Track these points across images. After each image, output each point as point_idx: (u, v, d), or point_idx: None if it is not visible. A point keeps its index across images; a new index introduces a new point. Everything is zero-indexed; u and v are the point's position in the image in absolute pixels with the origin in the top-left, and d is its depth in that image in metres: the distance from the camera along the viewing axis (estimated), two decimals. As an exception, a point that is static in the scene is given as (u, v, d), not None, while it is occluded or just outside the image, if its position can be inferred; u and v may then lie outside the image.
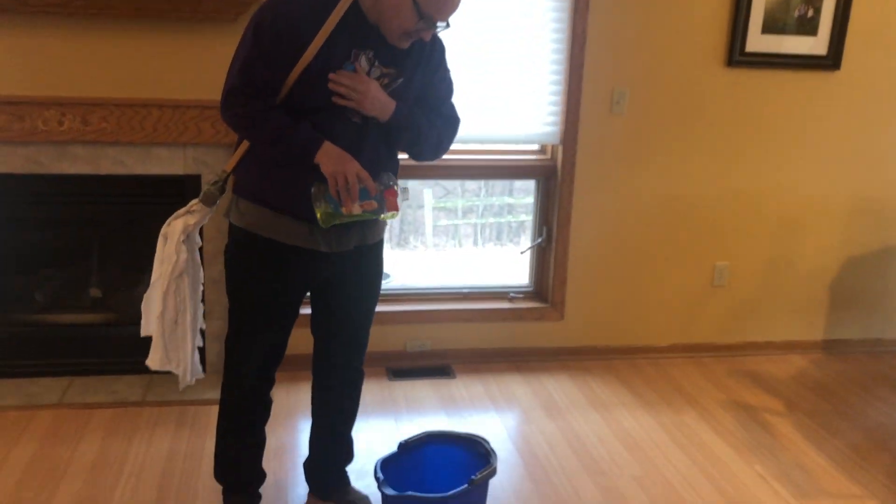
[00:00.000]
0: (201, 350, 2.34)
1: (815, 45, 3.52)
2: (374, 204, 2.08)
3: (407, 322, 3.56)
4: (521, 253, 3.81)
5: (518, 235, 6.22)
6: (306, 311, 2.35)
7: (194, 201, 2.23)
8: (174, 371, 2.28)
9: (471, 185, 6.52)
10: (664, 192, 3.60)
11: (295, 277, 2.20)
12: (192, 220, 2.22)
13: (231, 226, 2.21)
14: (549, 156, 3.61)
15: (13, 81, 2.97)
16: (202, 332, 2.32)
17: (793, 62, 3.53)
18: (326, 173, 2.02)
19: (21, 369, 3.25)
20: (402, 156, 2.27)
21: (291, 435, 2.94)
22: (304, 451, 2.67)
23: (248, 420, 2.36)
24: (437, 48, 2.19)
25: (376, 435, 2.95)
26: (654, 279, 3.70)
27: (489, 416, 3.16)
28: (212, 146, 3.12)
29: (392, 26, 2.00)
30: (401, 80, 2.11)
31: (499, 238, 6.56)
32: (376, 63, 2.07)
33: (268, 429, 2.43)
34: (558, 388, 3.42)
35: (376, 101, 2.06)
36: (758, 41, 3.47)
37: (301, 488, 2.61)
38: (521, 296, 3.73)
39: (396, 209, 2.12)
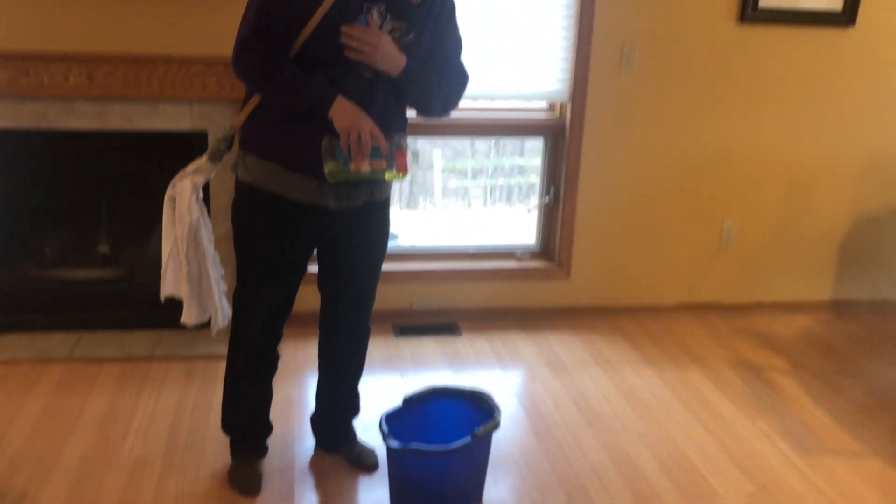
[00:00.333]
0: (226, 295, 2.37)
1: (830, 0, 3.46)
2: (384, 163, 2.07)
3: (414, 281, 3.57)
4: (528, 212, 3.80)
5: (528, 197, 6.19)
6: (314, 268, 2.36)
7: (201, 159, 2.23)
8: (211, 318, 2.31)
9: (481, 145, 6.48)
10: (673, 151, 3.58)
11: (302, 234, 2.21)
12: (199, 178, 2.22)
13: (238, 181, 2.21)
14: (557, 113, 3.58)
15: (19, 36, 2.95)
16: (222, 277, 2.35)
17: (807, 18, 3.47)
18: (339, 128, 2.01)
19: (32, 324, 3.29)
20: (410, 112, 2.26)
21: (298, 389, 2.97)
22: (310, 405, 2.70)
23: (255, 373, 2.38)
24: (448, 4, 2.17)
25: (382, 390, 2.98)
26: (662, 238, 3.69)
27: (494, 373, 3.18)
28: (217, 102, 3.11)
29: None
30: (411, 35, 2.09)
31: (509, 199, 6.54)
32: (388, 17, 2.05)
33: (275, 383, 2.45)
34: (564, 346, 3.43)
35: (388, 54, 2.05)
36: (771, -4, 3.41)
37: (308, 441, 2.64)
38: (527, 255, 3.73)
39: (405, 171, 2.11)
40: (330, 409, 2.57)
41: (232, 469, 2.45)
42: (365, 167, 2.05)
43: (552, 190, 3.64)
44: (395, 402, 2.41)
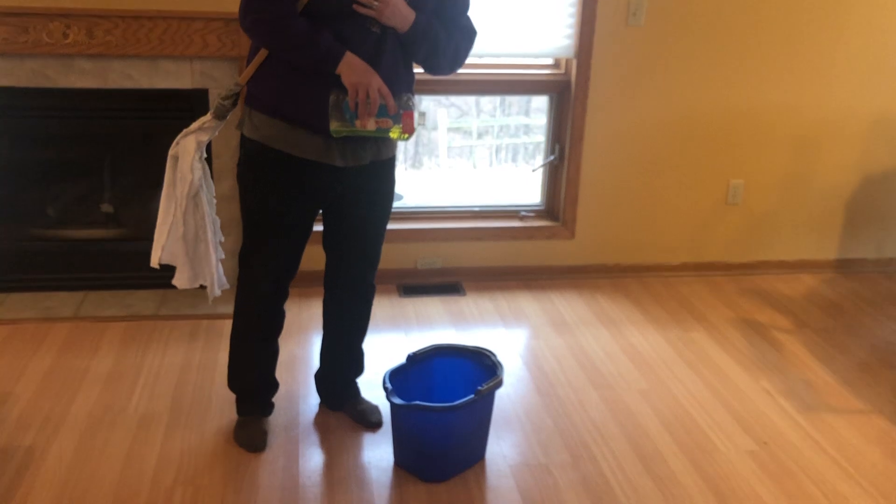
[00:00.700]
0: (222, 262, 2.36)
1: (841, -46, 3.40)
2: (390, 122, 2.06)
3: (418, 240, 3.57)
4: (533, 171, 3.77)
5: (534, 156, 6.15)
6: (318, 227, 2.36)
7: (206, 118, 2.21)
8: (204, 284, 2.31)
9: (486, 105, 6.43)
10: (679, 109, 3.54)
11: (309, 192, 2.20)
12: (204, 136, 2.21)
13: (244, 139, 2.19)
14: (563, 70, 3.54)
15: (16, -8, 2.92)
16: (220, 245, 2.35)
17: (816, -28, 3.41)
18: (348, 84, 2.00)
19: (37, 283, 3.30)
20: (417, 70, 2.23)
21: (303, 348, 2.99)
22: (315, 363, 2.72)
23: (261, 331, 2.39)
24: None
25: (386, 348, 2.99)
26: (667, 197, 3.67)
27: (498, 331, 3.19)
28: (218, 59, 3.08)
29: None
30: None
31: (514, 159, 6.50)
32: None
33: (280, 342, 2.47)
34: (567, 305, 3.44)
35: (396, 10, 2.02)
36: (781, -50, 3.35)
37: (312, 399, 2.66)
38: (532, 214, 3.72)
39: (412, 131, 2.10)
40: (334, 367, 2.58)
41: (237, 426, 2.47)
42: (371, 125, 2.04)
43: (557, 149, 3.62)
44: (400, 360, 2.42)
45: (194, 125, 2.21)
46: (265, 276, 2.30)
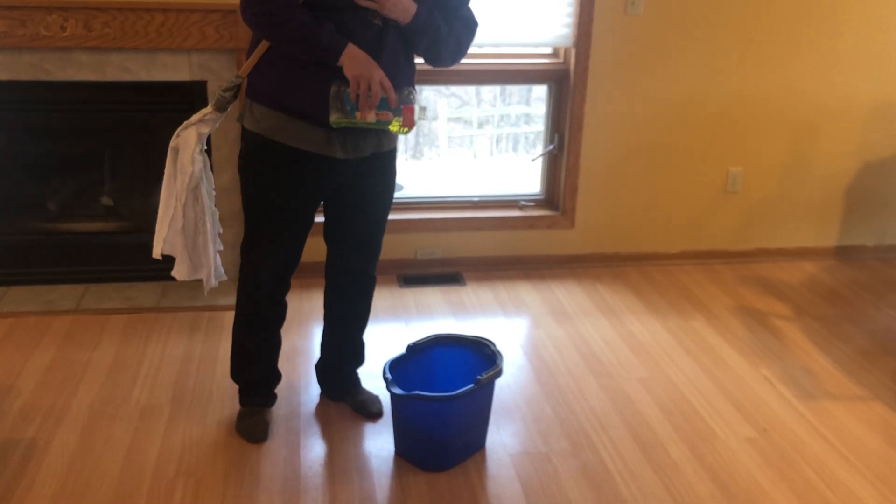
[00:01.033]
0: (220, 254, 2.37)
1: (840, -60, 3.38)
2: (391, 115, 2.06)
3: (418, 230, 3.57)
4: (532, 161, 3.77)
5: (535, 146, 6.14)
6: (319, 218, 2.36)
7: (206, 110, 2.21)
8: (202, 277, 2.32)
9: (486, 95, 6.42)
10: (678, 97, 3.53)
11: (310, 184, 2.20)
12: (205, 128, 2.21)
13: (245, 131, 2.19)
14: (561, 59, 3.54)
15: (13, -14, 2.92)
16: (219, 236, 2.36)
17: (815, -41, 3.40)
18: (349, 76, 2.00)
19: (38, 277, 3.31)
20: (417, 60, 2.23)
21: (304, 339, 3.00)
22: (316, 354, 2.72)
23: (264, 322, 2.40)
24: None
25: (387, 339, 3.00)
26: (667, 186, 3.67)
27: (498, 321, 3.20)
28: (216, 51, 3.07)
29: None
30: None
31: (515, 149, 6.49)
32: None
33: (282, 333, 2.47)
34: (567, 294, 3.44)
35: (399, 2, 2.02)
36: (779, -64, 3.33)
37: (313, 389, 2.67)
38: (531, 204, 3.72)
39: (412, 125, 2.09)
40: (335, 358, 2.59)
41: (239, 417, 2.48)
42: (371, 117, 2.04)
43: (556, 138, 3.61)
44: (400, 350, 2.43)
45: (195, 117, 2.21)
46: (267, 268, 2.30)
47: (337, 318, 2.54)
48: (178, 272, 2.31)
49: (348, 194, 2.29)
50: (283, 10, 1.98)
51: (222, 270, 2.37)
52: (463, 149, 6.50)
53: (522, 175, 4.13)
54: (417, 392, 2.23)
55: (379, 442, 2.43)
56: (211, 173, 2.31)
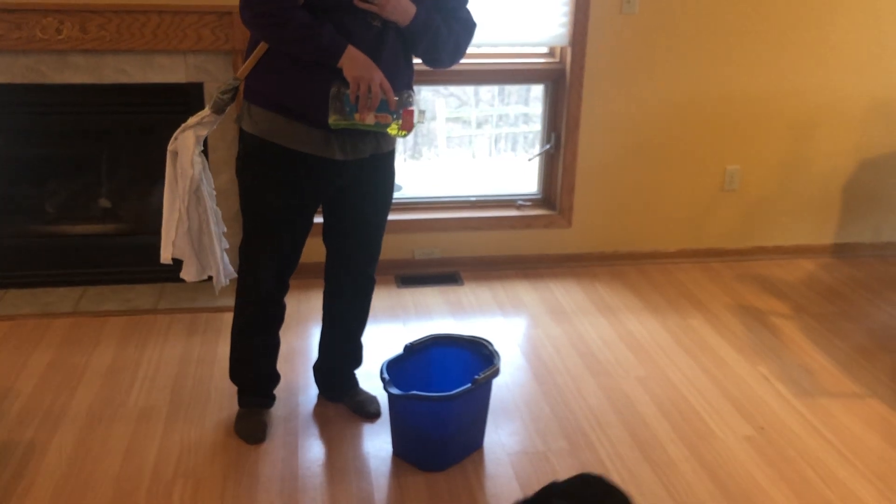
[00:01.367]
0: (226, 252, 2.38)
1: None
2: (389, 118, 2.06)
3: (416, 230, 3.57)
4: (529, 160, 3.77)
5: (534, 145, 6.14)
6: (319, 219, 2.36)
7: (204, 112, 2.21)
8: (211, 276, 2.33)
9: (485, 95, 6.42)
10: (675, 95, 3.54)
11: (309, 186, 2.20)
12: (203, 130, 2.21)
13: (243, 133, 2.19)
14: (557, 59, 3.54)
15: (9, -12, 2.92)
16: (224, 235, 2.37)
17: (811, -44, 3.40)
18: (350, 77, 2.00)
19: (36, 279, 3.31)
20: (415, 61, 2.23)
21: (303, 340, 3.00)
22: (314, 354, 2.73)
23: (263, 323, 2.40)
24: None
25: (385, 339, 3.00)
26: (664, 184, 3.67)
27: (496, 320, 3.20)
28: (212, 53, 3.08)
29: None
30: None
31: (514, 149, 6.49)
32: None
33: (280, 334, 2.47)
34: (565, 293, 3.44)
35: (398, 4, 2.03)
36: (775, -66, 3.33)
37: (311, 390, 2.67)
38: (529, 203, 3.72)
39: (410, 129, 2.10)
40: (333, 359, 2.59)
41: (238, 418, 2.48)
42: (370, 119, 2.04)
43: (553, 137, 3.62)
44: (398, 350, 2.43)
45: (192, 120, 2.21)
46: (266, 270, 2.30)
47: (336, 319, 2.54)
48: (187, 274, 2.32)
49: (347, 196, 2.29)
50: (283, 11, 1.98)
51: (231, 268, 2.38)
52: (462, 149, 6.50)
53: (520, 175, 4.13)
54: (415, 392, 2.23)
55: (377, 442, 2.43)
56: (210, 174, 2.31)
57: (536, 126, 3.79)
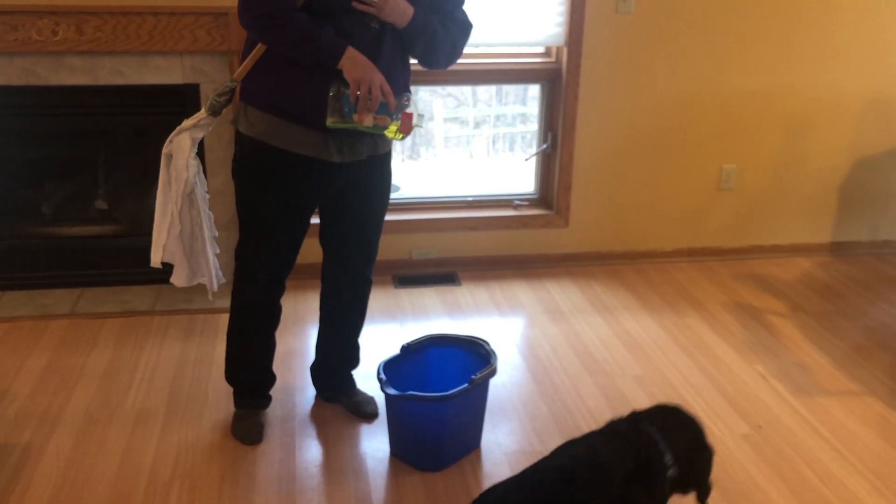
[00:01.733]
0: (217, 257, 2.37)
1: (831, -64, 3.39)
2: (388, 120, 2.06)
3: (413, 231, 3.57)
4: (526, 160, 3.78)
5: (531, 145, 6.14)
6: (316, 220, 2.36)
7: (200, 114, 2.20)
8: (202, 282, 2.32)
9: (483, 95, 6.42)
10: (671, 95, 3.54)
11: (306, 187, 2.20)
12: (199, 133, 2.20)
13: (239, 135, 2.19)
14: (553, 58, 3.54)
15: (4, -10, 2.92)
16: (215, 240, 2.36)
17: (806, -45, 3.41)
18: (350, 79, 2.00)
19: (33, 281, 3.31)
20: (412, 62, 2.23)
21: (300, 341, 3.00)
22: (311, 355, 2.72)
23: (259, 325, 2.40)
24: None
25: (382, 339, 3.00)
26: (661, 183, 3.68)
27: (493, 320, 3.20)
28: (208, 54, 3.08)
29: None
30: None
31: (512, 149, 6.49)
32: None
33: (276, 335, 2.47)
34: (562, 293, 3.44)
35: (396, 6, 2.03)
36: (770, -67, 3.34)
37: (308, 391, 2.67)
38: (525, 203, 3.72)
39: (408, 132, 2.10)
40: (330, 360, 2.59)
41: (235, 419, 2.48)
42: (368, 121, 2.04)
43: (550, 137, 3.62)
44: (395, 351, 2.43)
45: (188, 122, 2.20)
46: (262, 272, 2.30)
47: (333, 320, 2.54)
48: (177, 279, 2.31)
49: (344, 197, 2.29)
50: (283, 13, 1.98)
51: (221, 274, 2.37)
52: (459, 149, 6.50)
53: (516, 174, 4.13)
54: (412, 392, 2.23)
55: (374, 443, 2.43)
56: (204, 177, 2.30)
57: (534, 126, 3.79)
